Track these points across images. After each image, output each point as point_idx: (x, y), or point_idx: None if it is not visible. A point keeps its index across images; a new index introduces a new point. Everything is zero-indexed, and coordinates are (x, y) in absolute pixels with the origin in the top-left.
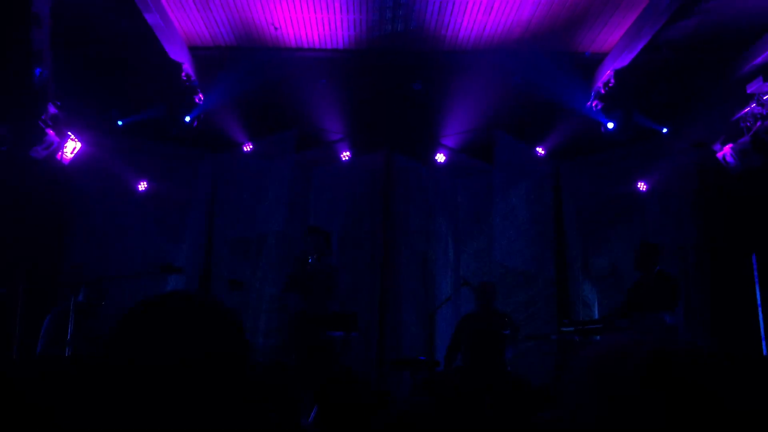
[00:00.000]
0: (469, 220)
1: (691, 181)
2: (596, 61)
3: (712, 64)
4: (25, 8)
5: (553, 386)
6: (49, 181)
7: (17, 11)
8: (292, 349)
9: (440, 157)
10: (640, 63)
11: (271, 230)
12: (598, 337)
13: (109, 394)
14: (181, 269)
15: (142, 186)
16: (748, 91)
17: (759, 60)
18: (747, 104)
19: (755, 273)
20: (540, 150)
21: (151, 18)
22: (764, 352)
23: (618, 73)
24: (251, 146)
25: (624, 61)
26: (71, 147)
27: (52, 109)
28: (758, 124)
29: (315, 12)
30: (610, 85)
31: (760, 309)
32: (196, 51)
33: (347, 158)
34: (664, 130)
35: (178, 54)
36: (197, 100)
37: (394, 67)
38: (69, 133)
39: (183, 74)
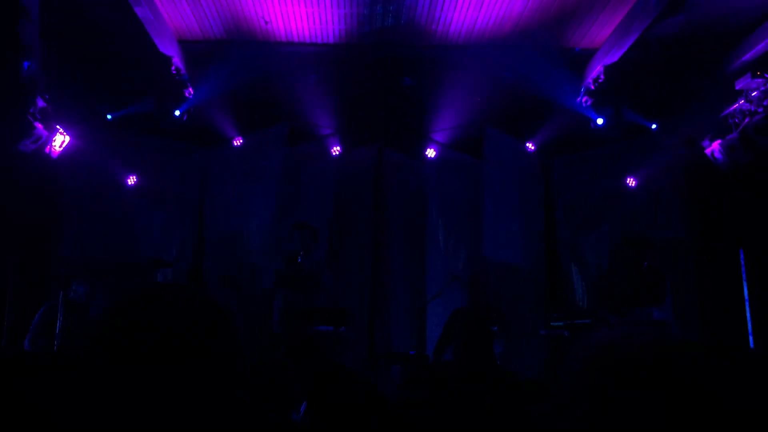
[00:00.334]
0: (459, 215)
1: (679, 176)
2: (586, 57)
3: (702, 60)
4: (14, 1)
5: (544, 380)
6: (38, 175)
7: (6, 4)
8: (282, 344)
9: (431, 152)
10: (630, 59)
11: (261, 225)
12: (588, 332)
13: (94, 387)
14: (171, 263)
15: (132, 180)
16: (737, 88)
17: (748, 56)
18: (735, 101)
19: (743, 268)
20: (530, 145)
21: (140, 11)
22: (751, 346)
23: (608, 69)
24: (241, 140)
25: (614, 57)
26: (60, 141)
27: (40, 103)
28: (746, 120)
29: (305, 6)
30: (600, 80)
31: (747, 303)
32: (186, 45)
33: (337, 153)
34: (654, 126)
35: (168, 47)
36: (187, 94)
37: (385, 62)
38: (58, 126)
39: (173, 68)
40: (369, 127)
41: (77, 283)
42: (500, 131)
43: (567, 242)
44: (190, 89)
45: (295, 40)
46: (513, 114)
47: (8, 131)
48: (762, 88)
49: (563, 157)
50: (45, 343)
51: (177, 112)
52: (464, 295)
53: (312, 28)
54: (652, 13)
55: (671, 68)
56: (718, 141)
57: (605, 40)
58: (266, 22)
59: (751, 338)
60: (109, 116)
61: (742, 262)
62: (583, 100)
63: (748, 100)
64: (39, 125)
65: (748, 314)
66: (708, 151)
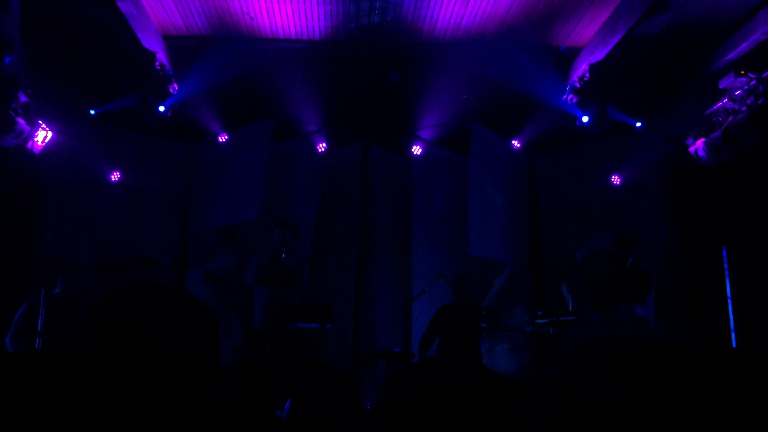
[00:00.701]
0: (445, 212)
1: (664, 174)
2: (572, 55)
3: (686, 59)
4: None
5: (528, 378)
6: (20, 171)
7: None
8: (266, 341)
9: (417, 150)
10: (615, 57)
11: (245, 221)
12: (573, 330)
13: (78, 388)
14: (156, 261)
15: (115, 176)
16: (721, 86)
17: (731, 55)
18: (719, 99)
19: (725, 266)
20: (516, 143)
21: (124, 6)
22: (734, 344)
23: (593, 68)
24: (226, 137)
25: (599, 55)
26: (42, 136)
27: (22, 98)
28: (730, 118)
29: (290, 2)
30: (585, 79)
31: (729, 301)
32: (171, 40)
33: (323, 150)
34: (638, 124)
35: (152, 43)
36: (171, 90)
37: (371, 59)
38: (40, 122)
39: (157, 63)
40: (355, 124)
41: (62, 279)
42: (486, 129)
43: (552, 239)
44: (175, 85)
45: (281, 36)
46: (499, 111)
47: None
48: (745, 87)
49: (548, 154)
50: (27, 340)
51: (161, 108)
52: (450, 293)
53: (297, 25)
54: (636, 12)
55: (656, 67)
56: (702, 139)
57: (591, 39)
58: (251, 18)
59: (733, 335)
60: (92, 111)
61: (725, 260)
62: (569, 98)
63: (732, 99)
64: (21, 120)
65: (730, 312)
66: (692, 149)
